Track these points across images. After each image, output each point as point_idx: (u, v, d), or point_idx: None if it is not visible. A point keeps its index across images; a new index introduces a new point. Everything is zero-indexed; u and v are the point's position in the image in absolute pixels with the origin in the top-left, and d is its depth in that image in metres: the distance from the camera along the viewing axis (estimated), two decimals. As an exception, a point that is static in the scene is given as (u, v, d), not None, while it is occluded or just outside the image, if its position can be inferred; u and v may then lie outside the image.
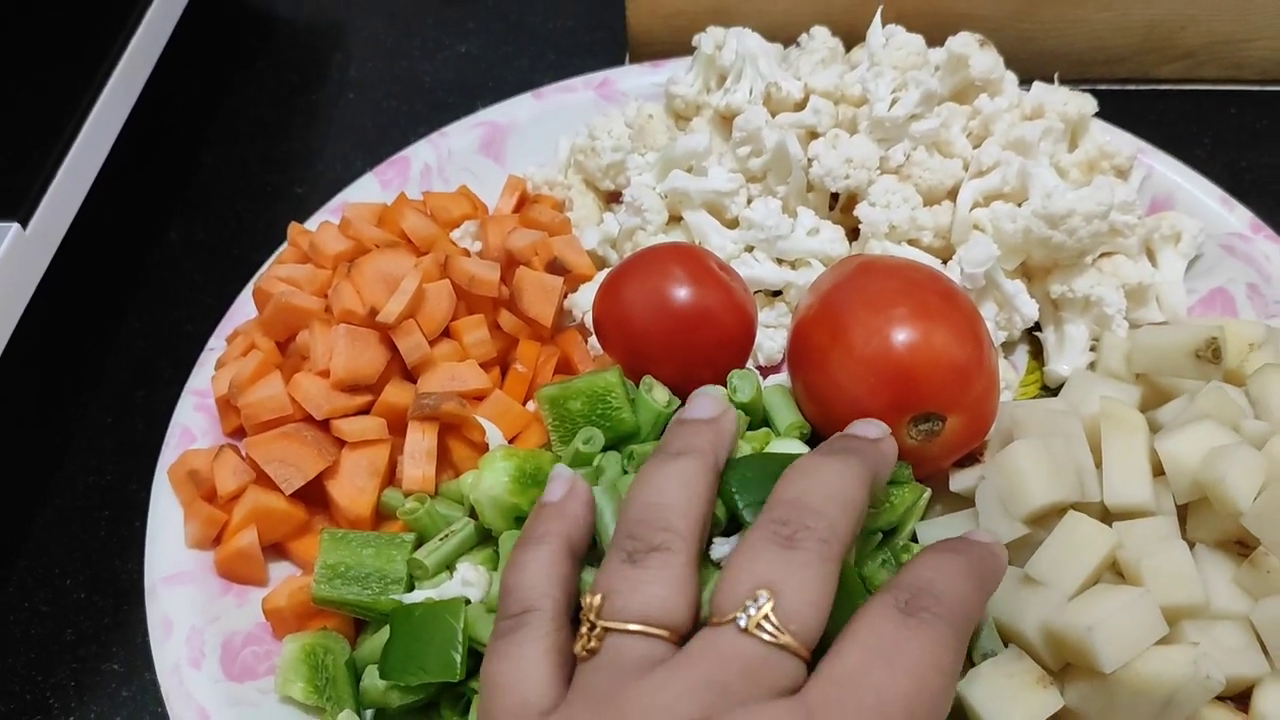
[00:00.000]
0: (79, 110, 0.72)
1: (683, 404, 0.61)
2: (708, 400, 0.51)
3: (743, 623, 0.38)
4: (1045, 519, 0.54)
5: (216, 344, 0.69)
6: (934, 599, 0.40)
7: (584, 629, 0.41)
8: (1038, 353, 0.70)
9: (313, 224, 0.73)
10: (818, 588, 0.39)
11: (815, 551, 0.40)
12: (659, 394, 0.60)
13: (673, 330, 0.61)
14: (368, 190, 0.78)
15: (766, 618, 0.38)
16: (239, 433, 0.64)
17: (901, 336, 0.55)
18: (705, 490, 0.45)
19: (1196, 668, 0.47)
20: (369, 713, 0.55)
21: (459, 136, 0.81)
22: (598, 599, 0.41)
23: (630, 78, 0.84)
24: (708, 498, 0.45)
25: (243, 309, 0.70)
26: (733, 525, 0.50)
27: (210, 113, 0.93)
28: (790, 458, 0.53)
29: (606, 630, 0.40)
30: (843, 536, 0.41)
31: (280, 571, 0.62)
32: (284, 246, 0.72)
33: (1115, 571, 0.53)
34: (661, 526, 0.42)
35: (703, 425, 0.48)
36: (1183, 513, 0.55)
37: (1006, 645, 0.52)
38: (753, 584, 0.39)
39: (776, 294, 0.71)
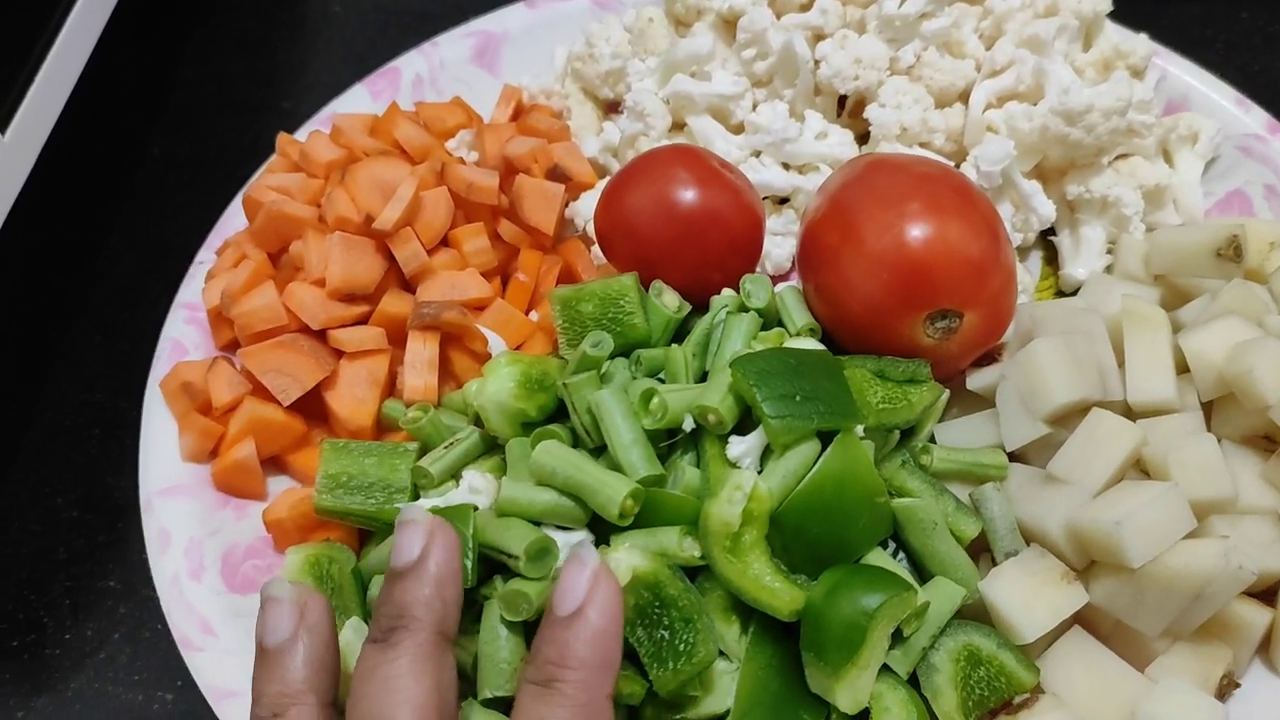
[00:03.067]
0: (54, 16, 0.69)
1: (694, 310, 0.59)
2: (412, 533, 0.42)
3: None
4: (1067, 418, 0.53)
5: (206, 256, 0.67)
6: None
7: None
8: (1052, 258, 0.68)
9: (301, 135, 0.71)
10: None
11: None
12: (669, 299, 0.58)
13: (680, 235, 0.59)
14: (358, 101, 0.75)
15: None
16: (232, 346, 0.62)
17: (915, 232, 0.54)
18: (431, 693, 0.39)
19: (1228, 560, 0.46)
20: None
21: (451, 46, 0.78)
22: None
23: (627, -17, 0.81)
24: (437, 705, 0.39)
25: (232, 221, 0.68)
26: (746, 420, 0.49)
27: (191, 26, 0.89)
28: (807, 353, 0.51)
29: None
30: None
31: (278, 486, 0.60)
32: (273, 158, 0.69)
33: (1138, 470, 0.52)
34: None
35: (415, 584, 0.41)
36: (1206, 410, 0.54)
37: (1029, 545, 0.51)
38: None
39: (783, 201, 0.69)
